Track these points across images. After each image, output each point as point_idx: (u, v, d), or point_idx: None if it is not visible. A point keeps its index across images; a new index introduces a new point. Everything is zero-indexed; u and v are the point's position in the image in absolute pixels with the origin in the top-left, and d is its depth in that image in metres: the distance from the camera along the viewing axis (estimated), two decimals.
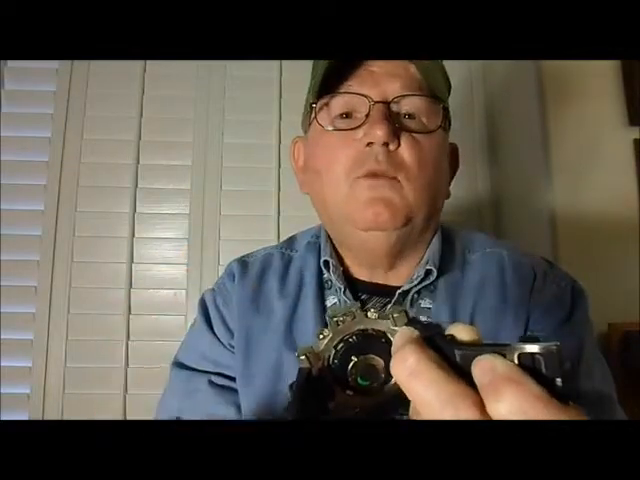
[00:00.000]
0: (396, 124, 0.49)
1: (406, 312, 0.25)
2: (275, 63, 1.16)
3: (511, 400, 0.19)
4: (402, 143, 0.49)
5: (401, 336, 0.23)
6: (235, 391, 0.56)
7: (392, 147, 0.49)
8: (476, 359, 0.20)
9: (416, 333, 0.23)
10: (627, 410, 0.52)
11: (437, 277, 0.54)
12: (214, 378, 0.56)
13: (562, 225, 1.12)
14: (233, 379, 0.56)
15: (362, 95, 0.49)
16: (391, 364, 0.22)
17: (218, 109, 1.15)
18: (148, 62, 1.16)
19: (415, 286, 0.54)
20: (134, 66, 1.15)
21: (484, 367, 0.20)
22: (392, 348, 0.23)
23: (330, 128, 0.51)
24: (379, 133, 0.47)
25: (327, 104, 0.52)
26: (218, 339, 0.58)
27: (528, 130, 1.14)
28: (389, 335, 0.25)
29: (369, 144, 0.49)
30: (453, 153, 0.59)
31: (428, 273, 0.54)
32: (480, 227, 1.09)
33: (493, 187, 1.14)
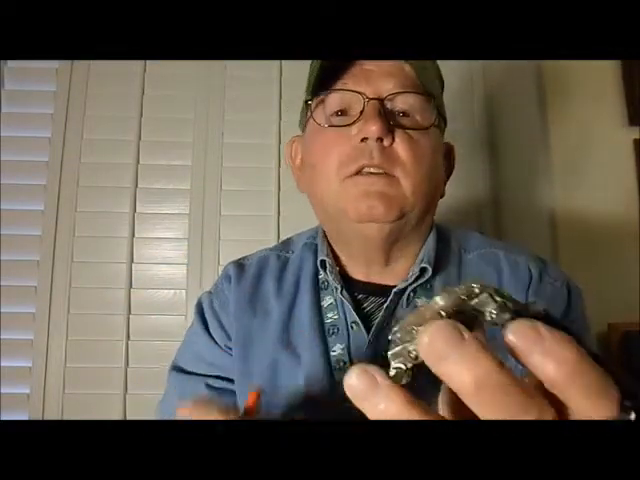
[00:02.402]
0: (390, 121, 0.50)
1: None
2: (275, 63, 1.15)
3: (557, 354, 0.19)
4: (396, 139, 0.50)
5: (441, 330, 0.18)
6: (232, 393, 0.56)
7: (386, 143, 0.49)
8: (514, 327, 0.19)
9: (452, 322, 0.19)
10: None
11: (433, 275, 0.55)
12: (211, 381, 0.57)
13: (562, 225, 1.12)
14: (230, 381, 0.57)
15: (356, 92, 0.50)
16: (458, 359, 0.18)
17: (218, 109, 1.15)
18: (148, 62, 1.15)
19: (410, 284, 0.54)
20: (134, 66, 1.15)
21: (530, 334, 0.18)
22: (430, 341, 0.19)
23: (325, 125, 0.52)
24: (373, 128, 0.48)
25: (322, 101, 0.53)
26: (214, 341, 0.58)
27: (528, 130, 1.14)
28: None
29: (363, 139, 0.49)
30: (449, 153, 0.60)
31: (423, 271, 0.54)
32: (480, 227, 1.09)
33: (493, 187, 1.14)
